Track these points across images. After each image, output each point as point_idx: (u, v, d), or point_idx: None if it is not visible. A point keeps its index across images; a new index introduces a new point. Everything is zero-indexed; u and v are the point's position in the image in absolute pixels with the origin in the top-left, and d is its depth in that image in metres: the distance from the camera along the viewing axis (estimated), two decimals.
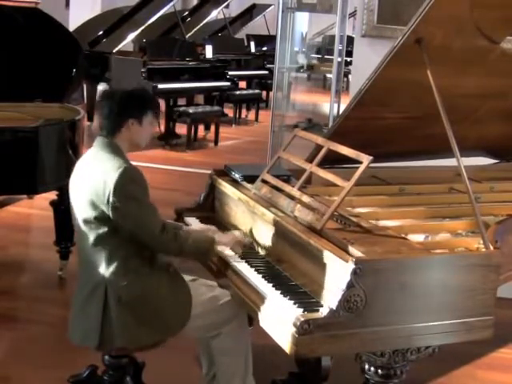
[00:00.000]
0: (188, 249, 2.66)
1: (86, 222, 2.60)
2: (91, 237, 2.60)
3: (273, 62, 6.03)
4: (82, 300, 2.67)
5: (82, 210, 2.61)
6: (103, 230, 2.57)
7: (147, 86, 8.24)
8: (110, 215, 2.53)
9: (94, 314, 2.59)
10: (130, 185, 2.54)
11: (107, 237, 2.58)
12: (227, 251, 2.80)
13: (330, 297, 2.28)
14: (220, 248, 2.78)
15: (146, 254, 2.64)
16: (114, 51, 8.90)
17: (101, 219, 2.55)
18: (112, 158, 2.58)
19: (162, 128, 9.15)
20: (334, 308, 2.22)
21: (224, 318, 2.75)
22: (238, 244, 2.80)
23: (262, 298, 2.48)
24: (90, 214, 2.57)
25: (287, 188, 2.85)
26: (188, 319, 2.66)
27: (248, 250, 2.85)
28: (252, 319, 2.85)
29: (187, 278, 2.79)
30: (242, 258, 2.76)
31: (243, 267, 2.69)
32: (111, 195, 2.50)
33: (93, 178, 2.57)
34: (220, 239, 2.77)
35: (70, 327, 2.73)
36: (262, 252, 2.82)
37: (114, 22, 9.24)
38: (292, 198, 2.79)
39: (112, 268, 2.59)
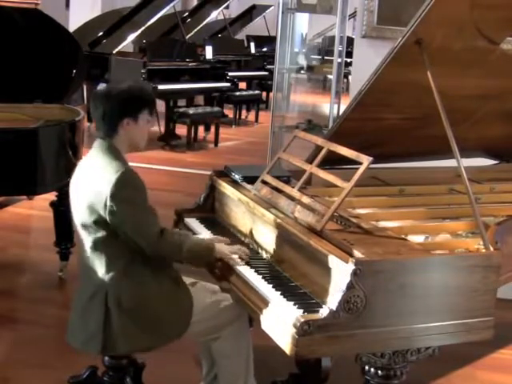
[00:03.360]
0: (185, 255, 2.63)
1: (84, 226, 2.59)
2: (90, 241, 2.59)
3: (273, 63, 6.03)
4: (82, 305, 2.66)
5: (80, 215, 2.60)
6: (102, 234, 2.56)
7: (147, 86, 8.25)
8: (108, 219, 2.52)
9: (95, 320, 2.58)
10: (127, 189, 2.52)
11: (106, 241, 2.56)
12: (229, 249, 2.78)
13: (330, 298, 2.28)
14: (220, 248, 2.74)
15: (146, 259, 2.60)
16: (114, 52, 8.88)
17: (99, 223, 2.54)
18: (110, 162, 2.56)
19: (162, 129, 9.16)
20: (334, 309, 2.22)
21: (224, 321, 2.74)
22: (239, 254, 2.73)
23: (261, 299, 2.47)
24: (89, 218, 2.56)
25: (287, 189, 2.85)
26: (188, 327, 2.65)
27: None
28: (252, 320, 2.85)
29: (188, 280, 2.78)
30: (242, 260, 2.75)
31: (243, 268, 2.68)
32: (108, 199, 2.49)
33: (91, 182, 2.57)
34: (221, 249, 2.72)
35: (70, 331, 2.71)
36: (262, 253, 2.82)
37: (114, 23, 9.23)
38: (292, 198, 2.79)
39: (112, 273, 2.57)
